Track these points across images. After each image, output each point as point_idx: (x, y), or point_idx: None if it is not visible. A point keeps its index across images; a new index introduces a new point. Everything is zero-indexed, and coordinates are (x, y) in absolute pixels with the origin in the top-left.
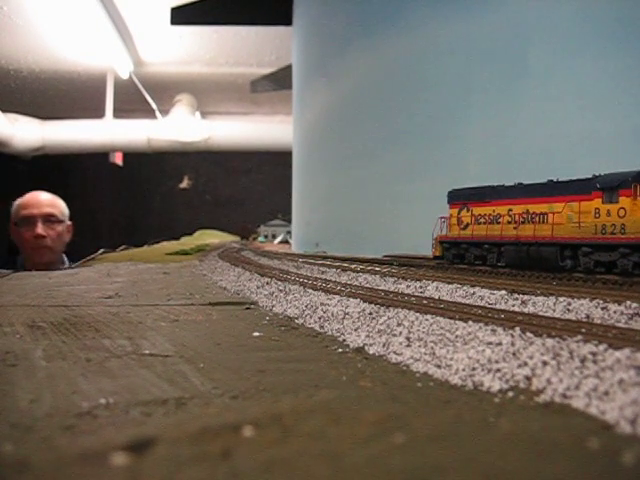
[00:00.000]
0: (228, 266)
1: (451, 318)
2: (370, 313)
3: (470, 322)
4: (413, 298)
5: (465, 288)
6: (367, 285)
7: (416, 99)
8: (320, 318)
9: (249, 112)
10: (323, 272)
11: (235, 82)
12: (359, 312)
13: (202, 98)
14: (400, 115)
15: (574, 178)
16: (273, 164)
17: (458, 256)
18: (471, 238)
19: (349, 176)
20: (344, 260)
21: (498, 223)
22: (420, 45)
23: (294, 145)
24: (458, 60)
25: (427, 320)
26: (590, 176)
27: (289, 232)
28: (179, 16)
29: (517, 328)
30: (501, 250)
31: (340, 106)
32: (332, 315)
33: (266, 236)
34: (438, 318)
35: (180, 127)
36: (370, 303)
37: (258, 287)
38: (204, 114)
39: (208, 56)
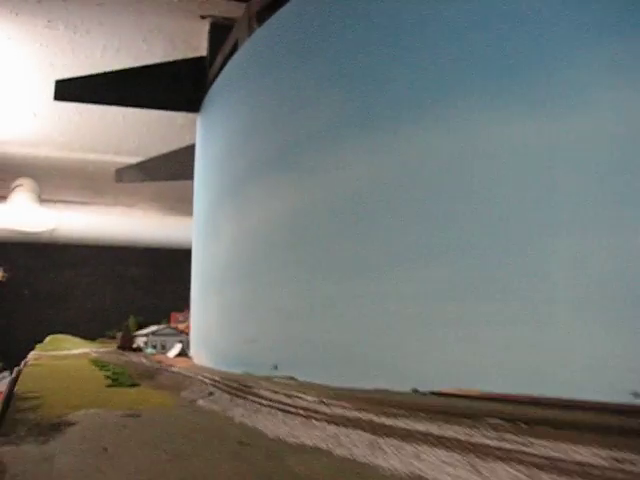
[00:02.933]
0: None
1: None
2: None
3: None
4: None
5: None
6: None
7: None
8: None
9: (90, 202)
10: None
11: (85, 169)
12: None
13: (42, 183)
14: None
15: None
16: (100, 257)
17: None
18: None
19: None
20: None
21: None
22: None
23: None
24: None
25: None
26: None
27: (182, 341)
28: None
29: None
30: None
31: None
32: None
33: (154, 346)
34: None
35: (22, 216)
36: None
37: None
38: (42, 201)
39: (61, 139)
